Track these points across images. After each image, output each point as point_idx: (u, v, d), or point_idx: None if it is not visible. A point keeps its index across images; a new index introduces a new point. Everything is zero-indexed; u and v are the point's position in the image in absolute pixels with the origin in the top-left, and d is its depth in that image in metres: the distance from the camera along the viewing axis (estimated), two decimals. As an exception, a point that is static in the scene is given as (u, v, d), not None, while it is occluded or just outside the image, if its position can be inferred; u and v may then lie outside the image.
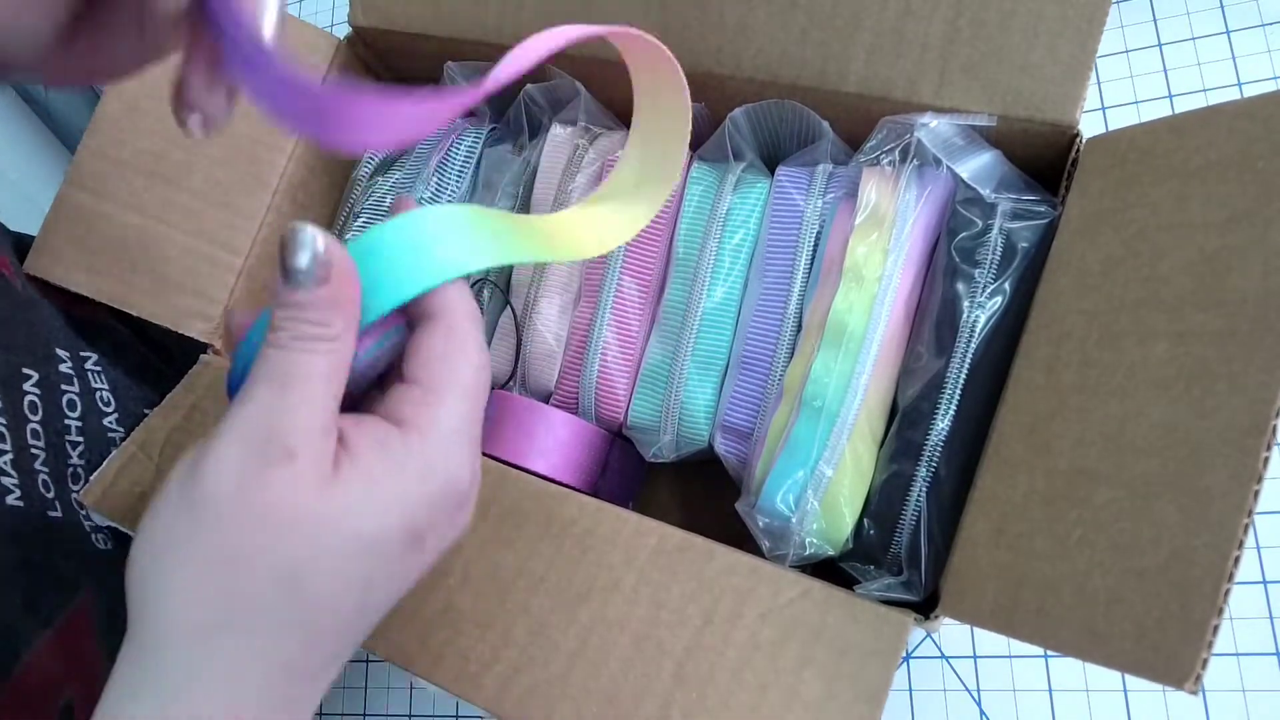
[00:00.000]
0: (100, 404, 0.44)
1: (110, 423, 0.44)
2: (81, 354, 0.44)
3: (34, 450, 0.40)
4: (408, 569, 0.23)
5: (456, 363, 0.24)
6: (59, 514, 0.40)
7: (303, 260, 0.21)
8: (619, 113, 0.45)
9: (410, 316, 0.25)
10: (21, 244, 0.45)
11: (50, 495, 0.40)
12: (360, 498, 0.22)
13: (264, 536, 0.21)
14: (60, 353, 0.43)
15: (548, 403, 0.44)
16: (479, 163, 0.47)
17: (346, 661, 0.25)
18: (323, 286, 0.22)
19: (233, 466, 0.21)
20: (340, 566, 0.22)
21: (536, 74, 0.45)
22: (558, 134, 0.45)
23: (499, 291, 0.45)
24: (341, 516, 0.21)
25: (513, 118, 0.47)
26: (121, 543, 0.43)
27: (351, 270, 0.22)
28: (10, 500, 0.38)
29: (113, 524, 0.40)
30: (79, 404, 0.42)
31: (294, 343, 0.22)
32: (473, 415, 0.24)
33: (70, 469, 0.41)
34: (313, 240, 0.22)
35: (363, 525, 0.22)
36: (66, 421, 0.42)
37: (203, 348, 0.43)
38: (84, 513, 0.41)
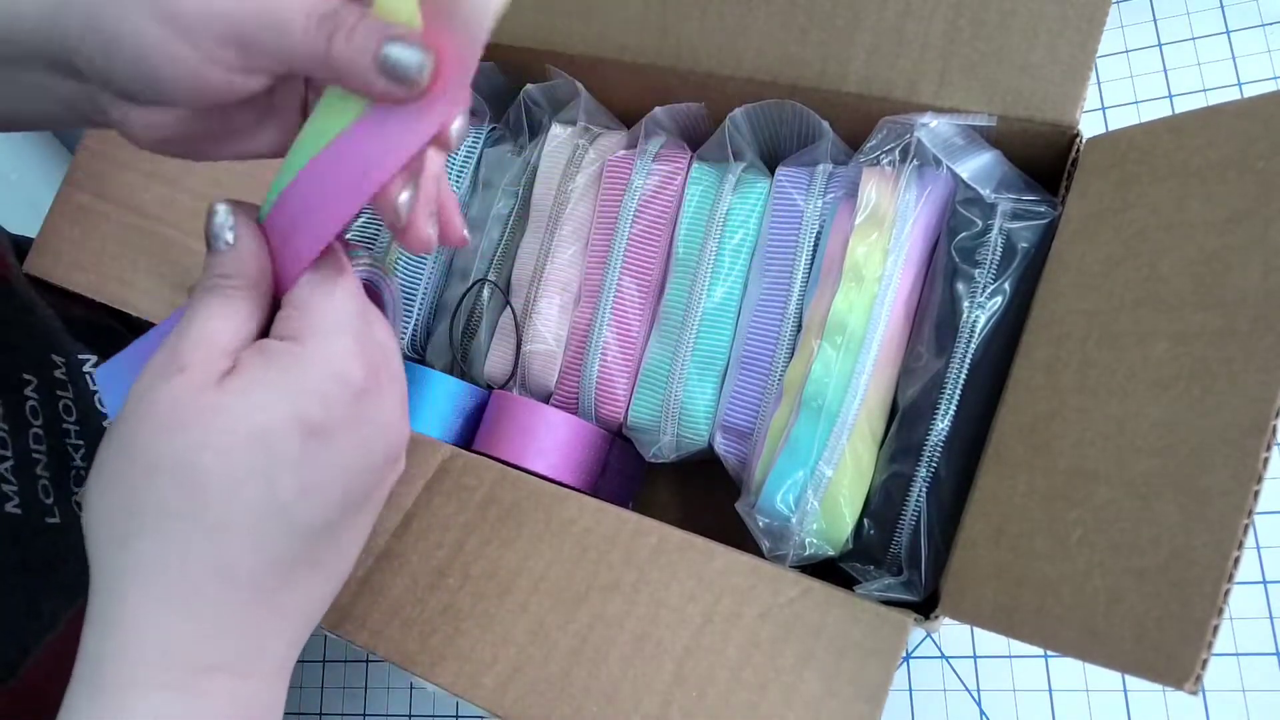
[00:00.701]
0: (99, 405, 0.44)
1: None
2: (80, 356, 0.44)
3: (35, 455, 0.40)
4: (318, 461, 0.24)
5: (316, 281, 0.25)
6: (57, 519, 0.40)
7: (218, 231, 0.25)
8: (619, 113, 0.45)
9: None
10: (21, 245, 0.45)
11: (50, 501, 0.40)
12: (241, 394, 0.23)
13: (157, 439, 0.23)
14: (55, 358, 0.43)
15: (548, 403, 0.44)
16: (479, 163, 0.47)
17: (324, 593, 0.26)
18: (229, 250, 0.25)
19: (139, 387, 0.23)
20: (228, 454, 0.23)
21: (536, 74, 0.45)
22: (557, 134, 0.45)
23: (499, 291, 0.45)
24: (225, 411, 0.23)
25: (512, 118, 0.47)
26: None
27: (255, 240, 0.25)
28: (9, 508, 0.38)
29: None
30: (74, 409, 0.42)
31: (200, 287, 0.25)
32: (360, 312, 0.25)
33: (73, 471, 0.41)
34: (222, 214, 0.25)
35: (248, 417, 0.23)
36: (65, 425, 0.42)
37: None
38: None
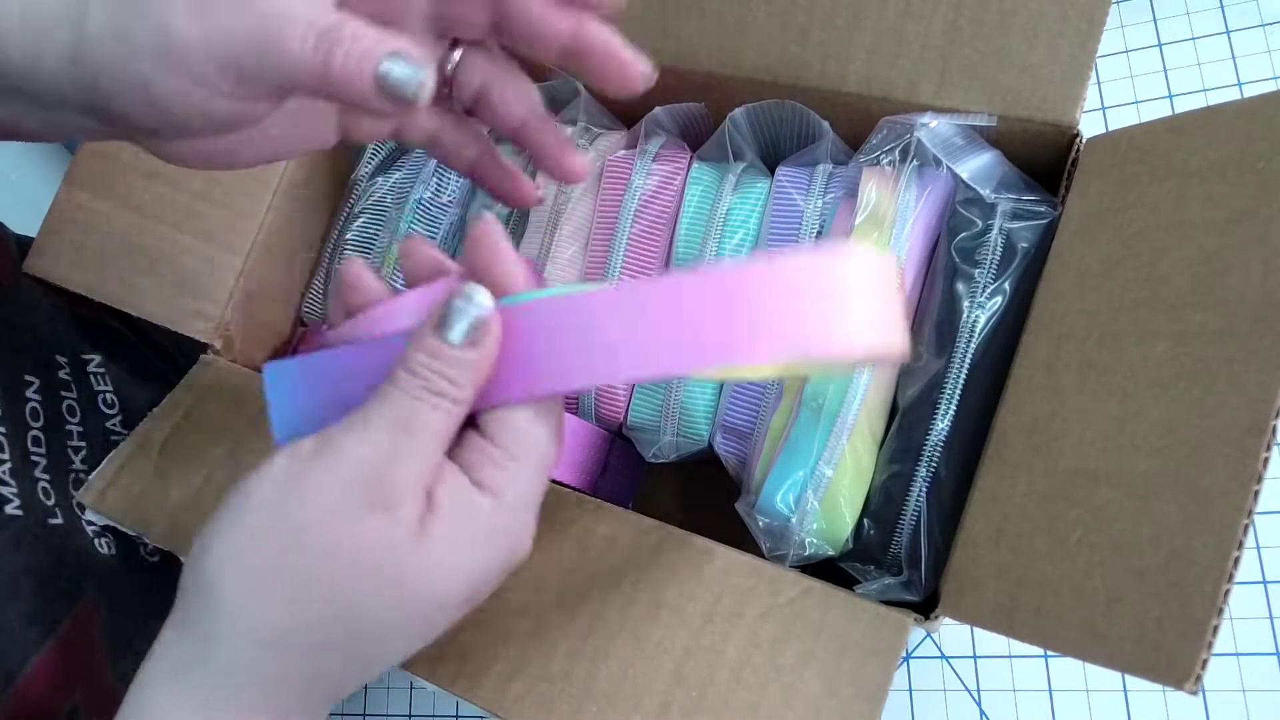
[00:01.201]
0: (103, 406, 0.44)
1: (114, 424, 0.44)
2: (83, 356, 0.44)
3: (34, 457, 0.40)
4: (454, 622, 0.25)
5: (539, 433, 0.24)
6: (59, 520, 0.40)
7: (464, 322, 0.22)
8: (619, 113, 0.45)
9: None
10: (24, 245, 0.45)
11: (50, 502, 0.40)
12: (441, 557, 0.23)
13: (347, 576, 0.22)
14: (59, 359, 0.42)
15: (548, 403, 0.44)
16: (479, 163, 0.47)
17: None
18: (472, 350, 0.22)
19: (335, 499, 0.22)
20: (408, 620, 0.23)
21: (537, 74, 0.45)
22: (558, 134, 0.45)
23: (499, 291, 0.45)
24: (422, 574, 0.23)
25: (513, 118, 0.47)
26: (124, 548, 0.43)
27: (498, 341, 0.23)
28: (9, 509, 0.38)
29: (112, 523, 0.40)
30: (78, 409, 0.42)
31: (424, 394, 0.22)
32: (543, 487, 0.25)
33: (72, 474, 0.41)
34: (481, 306, 0.23)
35: (437, 584, 0.23)
36: (68, 427, 0.42)
37: (203, 348, 0.43)
38: (85, 518, 0.41)
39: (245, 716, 0.23)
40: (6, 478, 0.38)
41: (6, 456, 0.38)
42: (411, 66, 0.21)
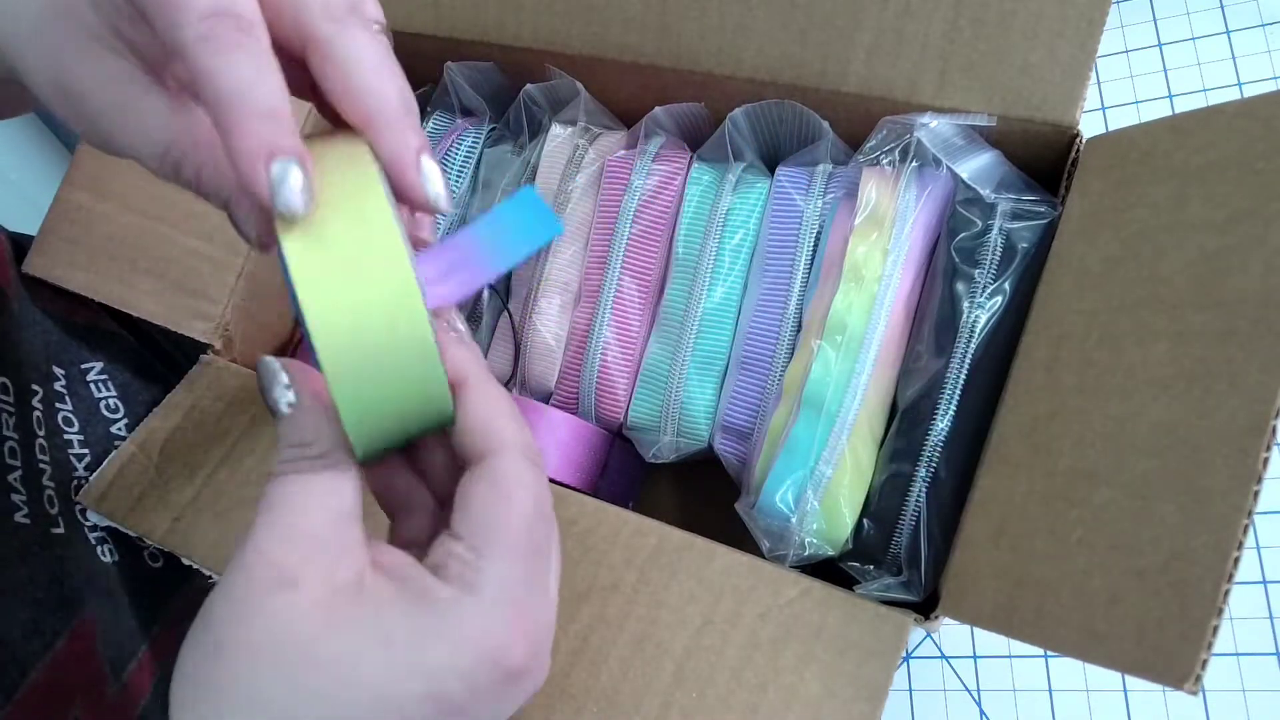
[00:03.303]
0: (105, 411, 0.44)
1: (118, 429, 0.44)
2: (83, 365, 0.44)
3: (41, 465, 0.40)
4: None
5: (500, 516, 0.21)
6: (61, 530, 0.40)
7: (271, 390, 0.22)
8: (619, 113, 0.45)
9: (461, 456, 0.23)
10: (21, 244, 0.45)
11: (54, 511, 0.40)
12: (373, 642, 0.20)
13: (271, 673, 0.19)
14: (56, 370, 0.42)
15: (548, 403, 0.44)
16: (479, 163, 0.47)
17: None
18: (295, 410, 0.22)
19: (236, 595, 0.20)
20: (352, 716, 0.19)
21: (536, 74, 0.45)
22: (557, 134, 0.45)
23: (497, 294, 0.45)
24: (352, 659, 0.19)
25: (512, 118, 0.47)
26: (126, 555, 0.43)
27: (318, 389, 0.22)
28: (18, 518, 0.38)
29: (113, 524, 0.40)
30: (75, 420, 0.42)
31: (282, 467, 0.21)
32: (526, 577, 0.21)
33: (75, 481, 0.41)
34: (273, 370, 0.22)
35: (376, 681, 0.19)
36: (67, 436, 0.42)
37: (203, 348, 0.43)
38: (88, 525, 0.41)
39: None
40: (18, 485, 0.38)
41: (18, 464, 0.38)
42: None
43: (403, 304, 0.20)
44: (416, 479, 0.25)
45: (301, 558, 0.20)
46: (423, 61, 0.48)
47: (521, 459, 0.22)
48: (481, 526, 0.21)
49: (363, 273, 0.20)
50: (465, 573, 0.21)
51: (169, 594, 0.45)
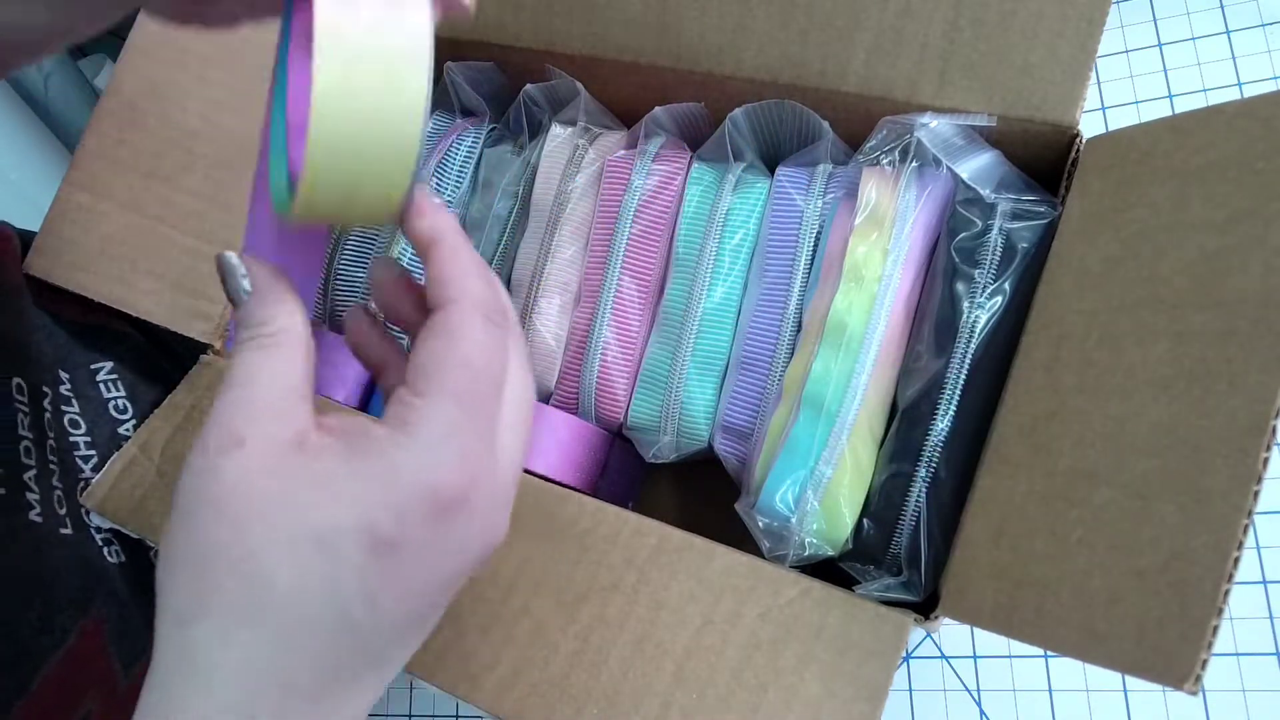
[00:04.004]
0: (114, 412, 0.43)
1: (127, 429, 0.44)
2: (92, 366, 0.44)
3: (51, 465, 0.40)
4: (384, 576, 0.21)
5: (441, 361, 0.22)
6: (70, 531, 0.40)
7: (231, 279, 0.24)
8: (619, 113, 0.45)
9: (428, 303, 0.24)
10: (28, 241, 0.45)
11: (63, 511, 0.40)
12: (308, 484, 0.21)
13: (219, 524, 0.21)
14: (62, 374, 0.43)
15: (548, 403, 0.44)
16: (479, 163, 0.47)
17: (378, 692, 0.23)
18: (251, 297, 0.24)
19: (195, 465, 0.22)
20: (292, 556, 0.21)
21: (536, 74, 0.45)
22: (557, 134, 0.45)
23: (499, 291, 0.45)
24: (289, 501, 0.21)
25: (512, 118, 0.47)
26: (132, 556, 0.43)
27: (274, 276, 0.24)
28: (32, 515, 0.38)
29: (115, 526, 0.40)
30: (82, 422, 0.42)
31: (240, 346, 0.23)
32: (465, 420, 0.22)
33: (81, 482, 0.41)
34: (232, 264, 0.24)
35: (311, 515, 0.21)
36: (74, 438, 0.42)
37: (203, 348, 0.43)
38: (93, 526, 0.41)
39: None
40: (32, 484, 0.38)
41: (33, 463, 0.38)
42: None
43: (413, 47, 0.20)
44: (391, 340, 0.28)
45: (248, 420, 0.22)
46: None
47: (473, 312, 0.23)
48: (423, 370, 0.22)
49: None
50: (402, 412, 0.22)
51: None
